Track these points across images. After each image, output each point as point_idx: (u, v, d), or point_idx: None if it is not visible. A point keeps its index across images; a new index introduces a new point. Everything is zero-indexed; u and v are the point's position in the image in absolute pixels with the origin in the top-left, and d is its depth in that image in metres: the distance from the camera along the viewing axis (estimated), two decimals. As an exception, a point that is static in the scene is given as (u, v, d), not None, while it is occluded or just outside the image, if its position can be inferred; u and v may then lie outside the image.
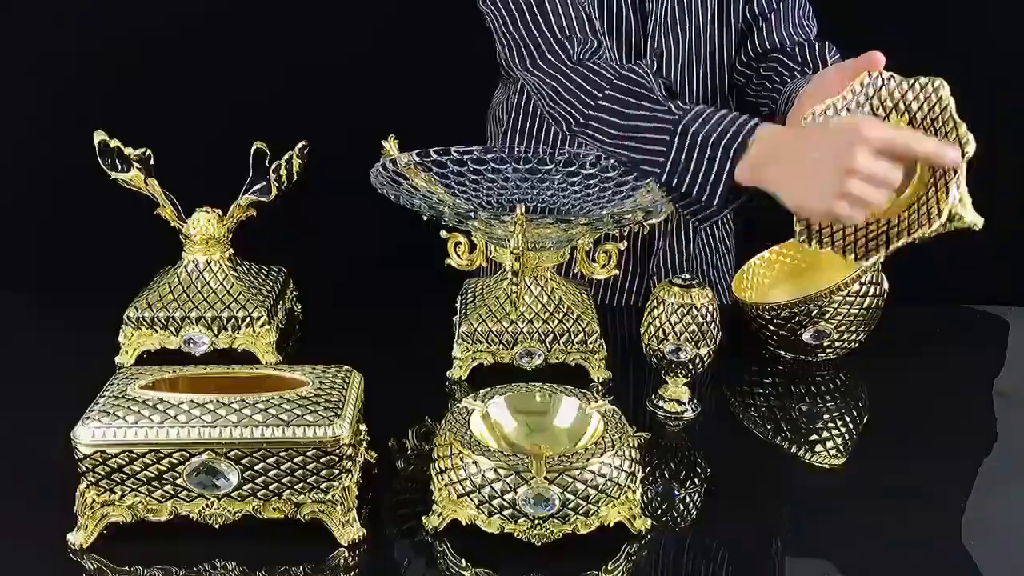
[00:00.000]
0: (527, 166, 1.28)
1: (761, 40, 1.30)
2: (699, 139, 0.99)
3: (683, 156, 0.99)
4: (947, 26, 1.84)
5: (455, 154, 1.25)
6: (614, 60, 1.17)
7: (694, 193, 1.00)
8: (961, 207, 0.94)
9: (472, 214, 1.03)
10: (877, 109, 1.00)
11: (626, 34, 1.26)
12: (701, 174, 0.99)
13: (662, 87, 1.08)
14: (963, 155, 0.93)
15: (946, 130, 0.96)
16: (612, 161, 1.19)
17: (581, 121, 1.13)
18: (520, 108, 1.38)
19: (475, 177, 1.26)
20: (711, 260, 1.46)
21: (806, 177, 0.94)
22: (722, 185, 0.98)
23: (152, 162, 1.12)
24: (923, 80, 0.99)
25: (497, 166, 1.27)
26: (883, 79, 1.00)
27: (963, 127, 0.95)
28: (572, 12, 1.17)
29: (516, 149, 1.29)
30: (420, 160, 1.22)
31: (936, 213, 0.93)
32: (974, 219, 0.95)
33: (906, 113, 0.99)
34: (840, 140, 0.91)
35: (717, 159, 0.97)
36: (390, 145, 1.21)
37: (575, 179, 1.27)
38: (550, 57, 1.16)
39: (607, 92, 1.09)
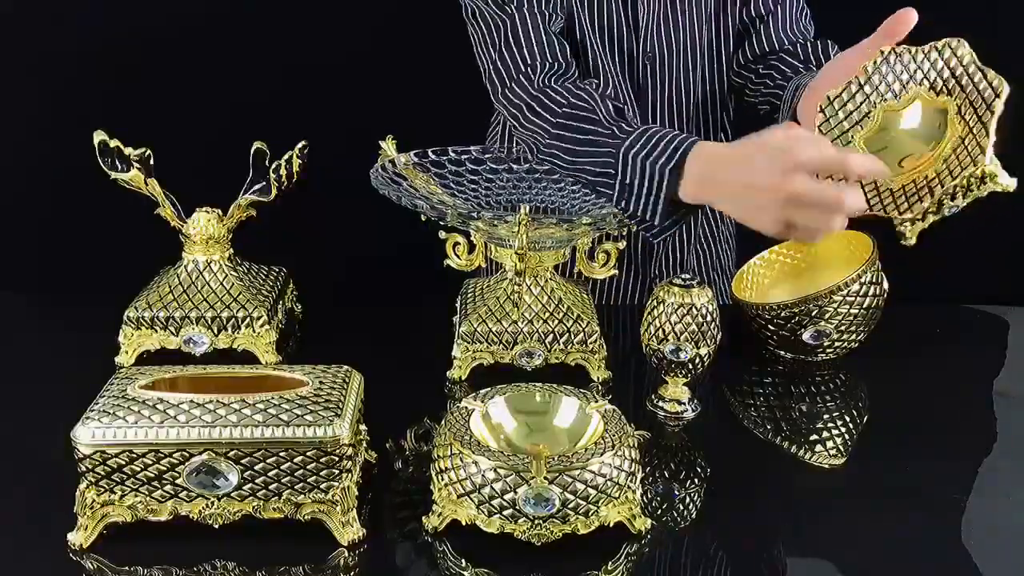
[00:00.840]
0: (525, 166, 1.28)
1: (759, 42, 1.30)
2: (639, 162, 1.00)
3: (627, 179, 1.01)
4: (946, 25, 1.84)
5: (452, 154, 1.25)
6: (573, 82, 1.17)
7: (639, 214, 1.01)
8: (995, 166, 0.92)
9: (476, 214, 1.04)
10: (894, 84, 0.99)
11: (618, 39, 1.26)
12: (643, 195, 1.00)
13: (610, 108, 1.08)
14: (998, 97, 0.92)
15: (974, 83, 0.95)
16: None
17: (543, 148, 1.14)
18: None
19: (473, 177, 1.26)
20: (711, 260, 1.46)
21: (746, 201, 0.92)
22: (660, 205, 0.99)
23: (152, 162, 1.12)
24: (939, 44, 0.97)
25: (495, 166, 1.27)
26: (896, 54, 0.99)
27: (991, 72, 0.94)
28: (543, 37, 1.18)
29: (514, 149, 1.29)
30: (418, 160, 1.22)
31: (980, 152, 0.91)
32: (1008, 181, 0.92)
33: (925, 81, 0.98)
34: (774, 165, 0.88)
35: (655, 180, 0.99)
36: (388, 145, 1.21)
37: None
38: (515, 86, 1.17)
39: (558, 120, 1.10)
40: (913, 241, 0.95)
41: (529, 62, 1.17)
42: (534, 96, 1.15)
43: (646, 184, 0.99)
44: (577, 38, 1.25)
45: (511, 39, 1.18)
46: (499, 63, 1.19)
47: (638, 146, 1.01)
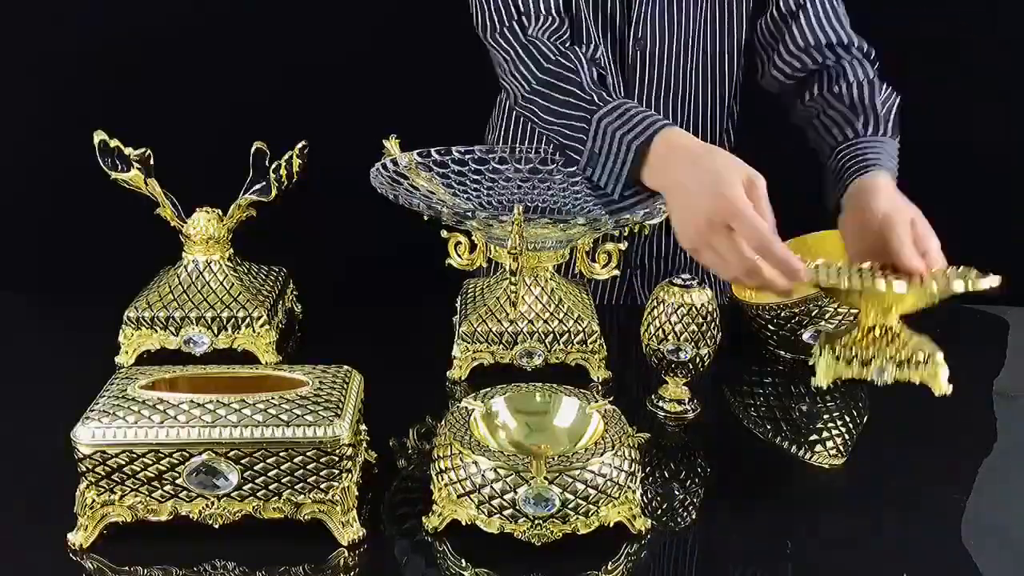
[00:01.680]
0: (528, 166, 1.28)
1: (794, 39, 1.27)
2: (609, 132, 1.01)
3: (596, 146, 1.02)
4: (953, 24, 1.84)
5: (456, 154, 1.25)
6: (563, 40, 1.18)
7: (603, 184, 1.02)
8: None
9: (471, 214, 1.04)
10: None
11: (611, 21, 1.26)
12: (608, 166, 1.01)
13: (595, 74, 1.10)
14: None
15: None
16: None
17: (522, 100, 1.16)
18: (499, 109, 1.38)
19: (476, 177, 1.26)
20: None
21: (680, 204, 0.93)
22: (622, 181, 1.00)
23: (152, 162, 1.12)
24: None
25: (498, 166, 1.27)
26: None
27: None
28: None
29: (518, 149, 1.29)
30: (422, 160, 1.22)
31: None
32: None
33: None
34: (714, 202, 0.88)
35: (621, 154, 0.99)
36: (391, 145, 1.21)
37: (576, 179, 1.27)
38: (506, 31, 1.18)
39: (539, 76, 1.12)
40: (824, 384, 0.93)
41: (523, 10, 1.18)
42: (523, 45, 1.16)
43: (611, 155, 1.00)
44: (573, 11, 1.25)
45: None
46: (493, 8, 1.19)
47: (612, 116, 1.01)
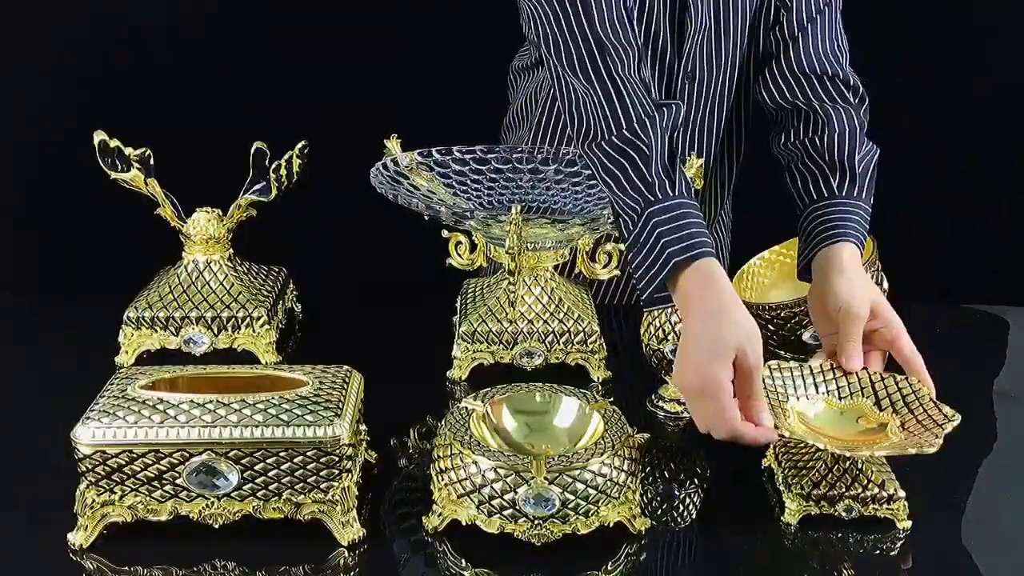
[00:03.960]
0: (530, 166, 1.28)
1: (788, 61, 1.24)
2: (655, 232, 0.95)
3: (640, 238, 0.97)
4: (950, 26, 1.84)
5: (457, 154, 1.25)
6: (648, 85, 1.10)
7: (635, 275, 0.98)
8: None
9: (469, 214, 1.04)
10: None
11: (661, 53, 1.23)
12: (645, 263, 0.96)
13: (666, 154, 1.01)
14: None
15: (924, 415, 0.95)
16: None
17: (590, 145, 1.06)
18: (535, 107, 1.36)
19: (476, 177, 1.26)
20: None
21: (680, 355, 0.91)
22: (655, 284, 0.95)
23: (152, 162, 1.12)
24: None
25: (499, 166, 1.27)
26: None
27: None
28: (615, 15, 1.09)
29: (519, 149, 1.29)
30: (422, 159, 1.22)
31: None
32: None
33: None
34: (698, 375, 0.87)
35: (659, 260, 0.95)
36: (392, 144, 1.21)
37: (576, 179, 1.27)
38: (589, 67, 1.08)
39: (614, 140, 1.03)
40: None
41: (604, 42, 1.07)
42: (608, 90, 1.06)
43: (651, 257, 0.96)
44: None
45: (584, 15, 1.08)
46: (569, 38, 1.08)
47: (665, 217, 0.95)
